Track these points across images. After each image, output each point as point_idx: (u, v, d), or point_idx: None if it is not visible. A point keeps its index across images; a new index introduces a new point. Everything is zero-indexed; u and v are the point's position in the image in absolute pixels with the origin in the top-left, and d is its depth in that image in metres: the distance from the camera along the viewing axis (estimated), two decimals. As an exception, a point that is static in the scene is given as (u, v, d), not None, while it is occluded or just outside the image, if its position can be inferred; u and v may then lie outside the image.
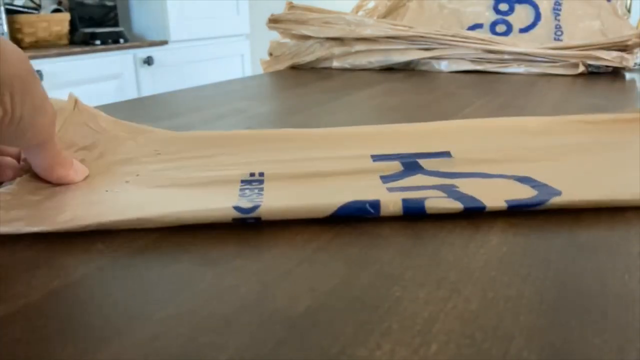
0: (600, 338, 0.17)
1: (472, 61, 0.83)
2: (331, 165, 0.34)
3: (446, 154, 0.36)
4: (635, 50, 0.79)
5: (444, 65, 0.83)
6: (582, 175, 0.32)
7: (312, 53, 0.88)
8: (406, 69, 0.85)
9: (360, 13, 1.00)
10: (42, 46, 1.93)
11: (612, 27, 0.89)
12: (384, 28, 0.84)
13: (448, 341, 0.17)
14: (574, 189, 0.29)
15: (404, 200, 0.27)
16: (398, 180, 0.31)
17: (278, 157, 0.36)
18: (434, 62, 0.84)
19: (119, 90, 2.03)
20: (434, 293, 0.20)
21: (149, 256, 0.24)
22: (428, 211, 0.27)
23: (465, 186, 0.30)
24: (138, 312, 0.19)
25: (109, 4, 2.20)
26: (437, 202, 0.28)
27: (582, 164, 0.34)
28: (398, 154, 0.36)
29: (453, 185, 0.30)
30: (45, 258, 0.23)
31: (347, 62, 0.86)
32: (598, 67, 0.78)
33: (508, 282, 0.21)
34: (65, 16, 2.03)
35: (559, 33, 0.90)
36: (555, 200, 0.28)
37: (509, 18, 0.92)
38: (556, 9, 0.92)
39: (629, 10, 1.75)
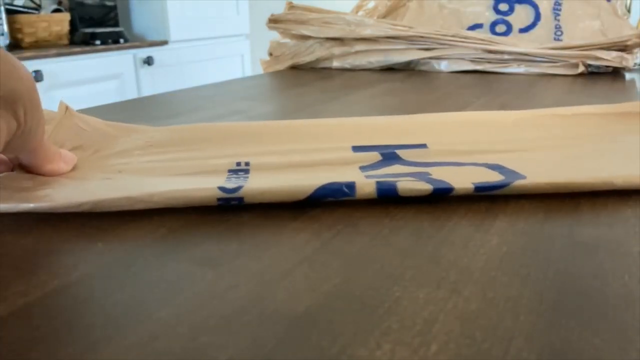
0: (600, 338, 0.17)
1: (472, 61, 0.83)
2: (314, 156, 0.35)
3: (423, 146, 0.37)
4: (635, 50, 0.79)
5: (444, 65, 0.83)
6: (551, 163, 0.34)
7: (312, 53, 0.88)
8: (406, 69, 0.86)
9: (360, 13, 1.00)
10: (42, 46, 1.93)
11: (612, 27, 0.89)
12: (384, 28, 0.84)
13: (448, 341, 0.17)
14: (539, 174, 0.30)
15: (378, 183, 0.29)
16: (376, 169, 0.33)
17: (264, 149, 0.37)
18: (434, 62, 0.84)
19: (119, 90, 2.03)
20: (434, 293, 0.20)
21: (149, 256, 0.24)
22: (400, 193, 0.29)
23: (438, 173, 0.31)
24: (138, 312, 0.19)
25: (109, 4, 2.20)
26: (409, 184, 0.29)
27: (552, 154, 0.35)
28: (377, 146, 0.37)
29: (427, 173, 0.32)
30: (45, 258, 0.23)
31: (347, 62, 0.86)
32: (598, 67, 0.78)
33: (508, 282, 0.21)
34: (65, 16, 2.03)
35: (559, 33, 0.90)
36: (519, 183, 0.29)
37: (509, 18, 0.92)
38: (556, 9, 0.92)
39: (629, 10, 1.75)
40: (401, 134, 0.40)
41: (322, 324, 0.18)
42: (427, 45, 0.84)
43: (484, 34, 0.88)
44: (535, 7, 0.92)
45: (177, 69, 2.28)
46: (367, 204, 0.29)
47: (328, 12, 0.88)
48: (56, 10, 2.05)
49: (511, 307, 0.19)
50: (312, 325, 0.18)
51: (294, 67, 0.90)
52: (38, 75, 1.71)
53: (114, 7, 2.21)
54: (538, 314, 0.19)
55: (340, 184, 0.29)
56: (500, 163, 0.33)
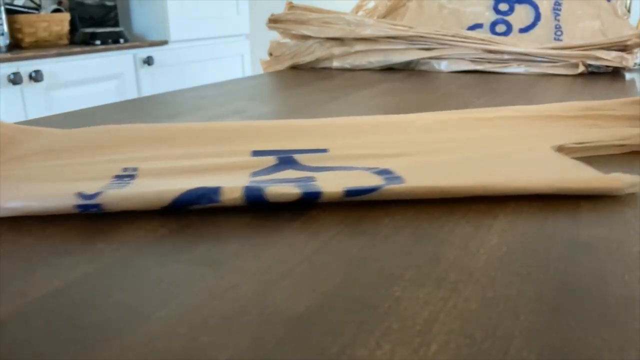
0: (600, 338, 0.17)
1: (472, 61, 0.83)
2: (207, 161, 0.34)
3: (323, 150, 0.37)
4: (635, 50, 0.79)
5: (444, 65, 0.83)
6: (439, 167, 0.33)
7: (312, 53, 0.88)
8: (406, 69, 0.85)
9: (360, 13, 1.00)
10: (42, 46, 1.93)
11: (612, 27, 0.89)
12: (384, 28, 0.84)
13: (448, 341, 0.17)
14: (419, 179, 0.30)
15: (246, 188, 0.28)
16: (266, 175, 0.32)
17: (159, 153, 0.36)
18: (434, 62, 0.84)
19: (119, 90, 2.03)
20: (434, 293, 0.20)
21: (149, 256, 0.24)
22: (268, 198, 0.28)
23: (324, 178, 0.31)
24: (138, 312, 0.19)
25: (109, 4, 2.20)
26: (276, 189, 0.28)
27: (447, 157, 0.35)
28: (276, 150, 0.37)
29: (312, 178, 0.31)
30: (45, 258, 0.23)
31: (347, 62, 0.86)
32: (598, 67, 0.78)
33: (508, 282, 0.21)
34: (65, 16, 2.03)
35: (559, 33, 0.90)
36: (391, 187, 0.28)
37: (509, 18, 0.92)
38: (556, 9, 0.92)
39: (629, 10, 1.75)
40: (305, 137, 0.40)
41: (322, 324, 0.18)
42: (427, 45, 0.84)
43: (484, 34, 0.88)
44: (535, 7, 0.92)
45: (177, 69, 2.28)
46: (368, 203, 0.29)
47: (328, 12, 0.88)
48: (56, 10, 2.05)
49: (511, 307, 0.19)
50: (312, 325, 0.18)
51: (294, 67, 0.90)
52: (38, 75, 1.71)
53: (114, 7, 2.21)
54: (538, 314, 0.19)
55: (206, 189, 0.27)
56: (391, 168, 0.32)
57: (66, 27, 2.03)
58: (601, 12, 0.91)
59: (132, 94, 2.08)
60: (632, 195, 0.30)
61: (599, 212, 0.28)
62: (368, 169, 0.32)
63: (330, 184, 0.29)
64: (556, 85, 0.69)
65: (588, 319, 0.18)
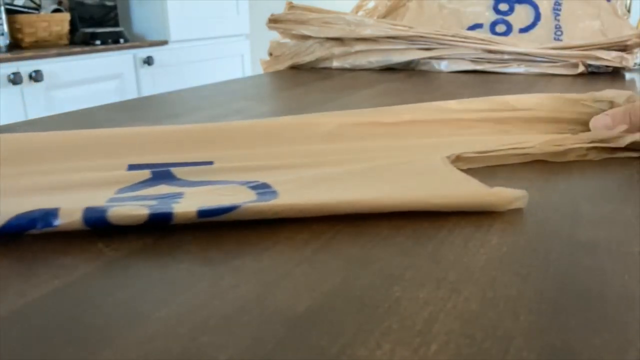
0: (600, 338, 0.17)
1: (472, 61, 0.83)
2: (80, 176, 0.32)
3: (208, 163, 0.34)
4: (635, 50, 0.79)
5: (444, 65, 0.83)
6: (316, 183, 0.31)
7: (312, 53, 0.88)
8: (406, 69, 0.86)
9: (360, 13, 1.00)
10: (42, 46, 1.93)
11: (612, 27, 0.89)
12: (384, 28, 0.84)
13: (448, 341, 0.17)
14: (291, 195, 0.28)
15: (86, 209, 0.25)
16: (132, 192, 0.30)
17: (29, 167, 0.33)
18: (434, 62, 0.84)
19: (119, 90, 2.03)
20: (434, 293, 0.20)
21: (149, 256, 0.24)
22: (111, 220, 0.25)
23: (192, 194, 0.29)
24: (138, 312, 0.19)
25: (109, 4, 2.20)
26: (121, 210, 0.25)
27: (329, 172, 0.32)
28: (154, 164, 0.34)
29: (179, 194, 0.29)
30: (45, 258, 0.23)
31: (347, 62, 0.86)
32: (598, 67, 0.78)
33: (508, 282, 0.21)
34: (65, 16, 2.03)
35: (558, 33, 0.90)
36: (249, 206, 0.26)
37: (509, 18, 0.92)
38: (556, 9, 0.92)
39: (629, 10, 1.75)
40: (193, 148, 0.37)
41: (322, 324, 0.18)
42: (427, 45, 0.84)
43: (484, 34, 0.88)
44: (535, 7, 0.92)
45: (177, 69, 2.28)
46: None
47: (328, 12, 0.88)
48: (56, 10, 2.05)
49: (511, 307, 0.19)
50: (312, 325, 0.18)
51: (294, 67, 0.90)
52: (38, 75, 1.71)
53: (114, 7, 2.21)
54: (538, 314, 0.19)
55: (41, 212, 0.24)
56: (270, 182, 0.30)
57: (66, 27, 2.03)
58: (601, 12, 0.91)
59: (132, 94, 2.08)
60: (632, 195, 0.30)
61: (599, 212, 0.28)
62: (245, 182, 0.30)
63: (189, 203, 0.26)
64: (556, 85, 0.69)
65: (588, 319, 0.18)
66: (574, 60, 0.78)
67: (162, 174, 0.32)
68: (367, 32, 0.84)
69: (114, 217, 0.25)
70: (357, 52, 0.86)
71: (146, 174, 0.32)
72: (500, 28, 0.92)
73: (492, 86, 0.70)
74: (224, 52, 2.54)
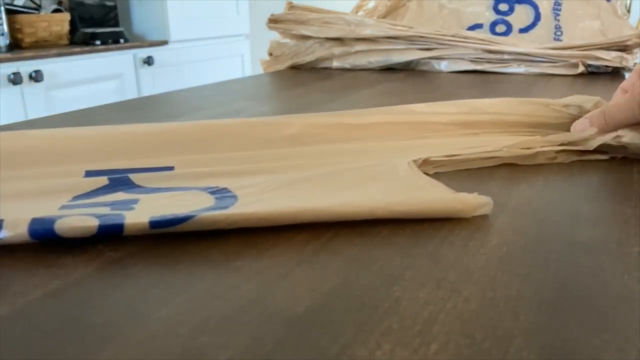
0: (600, 338, 0.17)
1: (472, 61, 0.83)
2: (35, 183, 0.31)
3: (169, 168, 0.34)
4: (635, 50, 0.79)
5: (444, 65, 0.83)
6: (277, 189, 0.30)
7: (312, 53, 0.88)
8: (406, 69, 0.85)
9: (360, 13, 1.00)
10: (42, 46, 1.93)
11: (612, 27, 0.89)
12: (384, 28, 0.84)
13: (448, 341, 0.17)
14: (251, 204, 0.27)
15: (34, 221, 0.24)
16: (86, 199, 0.29)
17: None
18: (434, 62, 0.84)
19: (119, 90, 2.03)
20: (434, 293, 0.20)
21: (149, 256, 0.24)
22: (59, 232, 0.24)
23: (147, 201, 0.28)
24: (138, 312, 0.19)
25: (109, 4, 2.20)
26: (71, 221, 0.24)
27: (291, 177, 0.32)
28: (112, 169, 0.33)
29: (132, 201, 0.28)
30: (45, 258, 0.23)
31: (347, 62, 0.86)
32: (598, 67, 0.78)
33: (508, 282, 0.21)
34: (65, 16, 2.03)
35: (558, 33, 0.90)
36: (203, 216, 0.25)
37: (509, 18, 0.92)
38: (556, 9, 0.92)
39: (628, 10, 1.75)
40: (153, 153, 0.36)
41: (322, 324, 0.18)
42: (427, 45, 0.84)
43: (484, 34, 0.88)
44: (535, 7, 0.92)
45: (177, 69, 2.28)
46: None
47: (328, 12, 0.88)
48: (56, 10, 2.05)
49: (511, 307, 0.19)
50: (312, 325, 0.18)
51: (294, 67, 0.90)
52: (38, 75, 1.71)
53: (114, 7, 2.21)
54: (538, 314, 0.19)
55: None
56: (229, 186, 0.30)
57: (66, 27, 2.03)
58: (601, 12, 0.91)
59: (132, 94, 2.08)
60: (632, 195, 0.30)
61: (599, 212, 0.28)
62: (206, 188, 0.30)
63: (141, 213, 0.25)
64: (556, 86, 0.69)
65: (588, 319, 0.18)
66: (574, 60, 0.78)
67: (119, 180, 0.31)
68: (367, 32, 0.84)
69: (62, 230, 0.24)
70: (357, 52, 0.86)
71: (103, 180, 0.31)
72: (500, 28, 0.92)
73: (492, 86, 0.70)
74: (224, 52, 2.54)
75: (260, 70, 0.93)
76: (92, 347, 0.17)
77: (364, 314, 0.19)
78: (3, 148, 0.35)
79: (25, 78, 1.68)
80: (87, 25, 2.12)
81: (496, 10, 0.93)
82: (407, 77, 0.79)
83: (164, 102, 0.62)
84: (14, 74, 1.65)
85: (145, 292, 0.21)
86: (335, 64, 0.87)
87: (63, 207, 0.27)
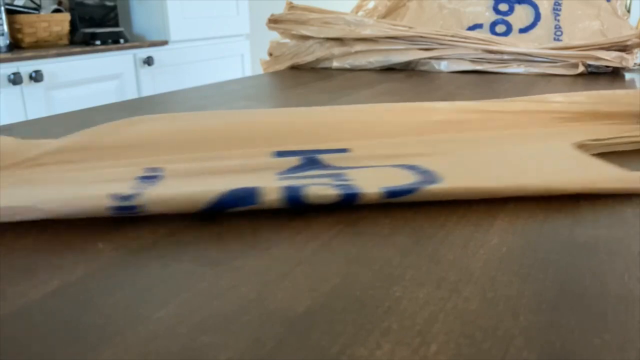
0: (600, 338, 0.17)
1: (472, 61, 0.83)
2: (232, 162, 0.34)
3: (344, 150, 0.36)
4: (635, 50, 0.79)
5: (444, 65, 0.83)
6: (469, 165, 0.33)
7: (312, 53, 0.88)
8: (406, 69, 0.85)
9: (360, 13, 1.00)
10: (42, 46, 1.93)
11: (611, 27, 0.89)
12: (384, 28, 0.84)
13: (448, 341, 0.17)
14: (456, 178, 0.30)
15: (285, 189, 0.27)
16: (292, 174, 0.32)
17: (178, 155, 0.35)
18: (434, 62, 0.84)
19: (119, 90, 2.03)
20: (434, 293, 0.20)
21: (149, 256, 0.24)
22: (306, 200, 0.27)
23: (357, 177, 0.30)
24: (138, 312, 0.19)
25: (109, 4, 2.20)
26: (315, 189, 0.28)
27: (472, 155, 0.35)
28: (299, 151, 0.36)
29: (341, 175, 0.31)
30: (45, 258, 0.23)
31: (347, 62, 0.86)
32: (598, 67, 0.78)
33: (508, 282, 0.21)
34: (66, 16, 2.03)
35: (558, 33, 0.90)
36: (433, 187, 0.28)
37: (509, 18, 0.92)
38: (556, 9, 0.92)
39: (628, 10, 1.75)
40: (324, 137, 0.39)
41: (322, 324, 0.18)
42: (427, 45, 0.84)
43: (484, 34, 0.88)
44: (535, 7, 0.92)
45: (177, 69, 2.28)
46: (366, 204, 0.29)
47: (328, 12, 0.88)
48: (56, 10, 2.05)
49: (511, 307, 0.19)
50: (312, 325, 0.18)
51: (294, 67, 0.90)
52: (38, 75, 1.71)
53: (114, 7, 2.21)
54: (538, 314, 0.19)
55: (244, 190, 0.27)
56: (419, 164, 0.32)
57: (66, 27, 2.03)
58: (601, 12, 0.91)
59: (132, 94, 2.08)
60: (631, 195, 0.30)
61: (599, 212, 0.28)
62: (397, 165, 0.32)
63: (367, 184, 0.29)
64: (556, 86, 0.69)
65: (588, 319, 0.18)
66: (573, 61, 0.78)
67: (310, 160, 0.34)
68: (367, 32, 0.84)
69: (310, 196, 0.27)
70: (357, 52, 0.86)
71: (296, 160, 0.34)
72: (500, 28, 0.92)
73: (492, 86, 0.70)
74: (224, 52, 2.54)
75: (260, 70, 0.93)
76: (92, 347, 0.17)
77: (364, 314, 0.19)
78: (193, 130, 0.39)
79: (25, 78, 1.68)
80: (87, 25, 2.12)
81: (496, 10, 0.93)
82: (407, 77, 0.79)
83: (164, 102, 0.62)
84: (14, 74, 1.65)
85: (145, 292, 0.21)
86: (335, 64, 0.87)
87: (279, 180, 0.30)
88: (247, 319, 0.19)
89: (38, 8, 2.00)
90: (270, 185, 0.28)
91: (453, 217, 0.27)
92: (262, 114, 0.43)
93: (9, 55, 1.68)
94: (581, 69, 0.77)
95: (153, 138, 0.38)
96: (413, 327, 0.18)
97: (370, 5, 1.01)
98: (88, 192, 0.27)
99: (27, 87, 1.69)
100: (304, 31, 0.87)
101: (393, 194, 0.28)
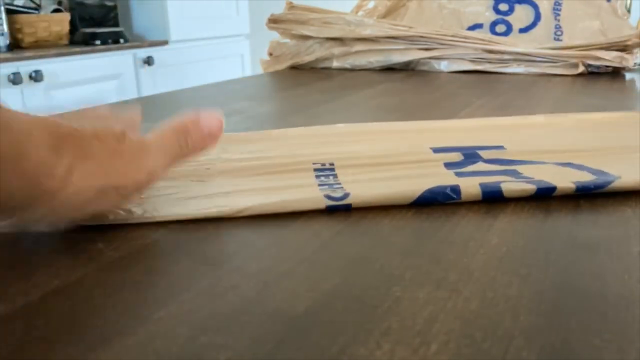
0: (600, 338, 0.17)
1: (472, 61, 0.82)
2: (396, 157, 0.35)
3: (500, 147, 0.37)
4: (635, 50, 0.79)
5: (444, 65, 0.83)
6: (632, 164, 0.34)
7: (312, 53, 0.88)
8: (406, 69, 0.85)
9: (360, 13, 1.00)
10: (42, 46, 1.93)
11: (612, 27, 0.89)
12: (384, 28, 0.84)
13: (448, 341, 0.17)
14: (630, 175, 0.31)
15: (482, 185, 0.29)
16: (461, 167, 0.33)
17: (340, 150, 0.37)
18: (434, 62, 0.84)
19: (119, 90, 2.03)
20: (434, 293, 0.20)
21: (149, 256, 0.24)
22: (505, 194, 0.29)
23: (527, 171, 0.32)
24: (138, 312, 0.19)
25: (109, 4, 2.20)
26: (512, 185, 0.29)
27: (629, 156, 0.35)
28: (455, 147, 0.37)
29: (515, 171, 0.32)
30: (46, 258, 0.23)
31: (347, 62, 0.86)
32: (598, 67, 0.78)
33: (508, 282, 0.21)
34: (65, 16, 2.03)
35: (558, 33, 0.90)
36: (618, 183, 0.29)
37: (509, 18, 0.92)
38: (556, 9, 0.92)
39: (628, 10, 1.75)
40: (477, 136, 0.40)
41: (322, 324, 0.18)
42: (427, 45, 0.84)
43: (484, 34, 0.88)
44: (535, 7, 0.92)
45: (177, 69, 2.28)
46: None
47: (328, 12, 0.88)
48: (56, 10, 2.05)
49: (511, 307, 0.19)
50: (312, 325, 0.18)
51: (294, 67, 0.89)
52: (38, 75, 1.71)
53: (114, 7, 2.21)
54: (538, 314, 0.19)
55: (445, 187, 0.29)
56: (583, 163, 0.33)
57: (66, 27, 2.03)
58: (601, 12, 0.91)
59: (132, 94, 2.08)
60: (631, 195, 0.30)
61: (599, 212, 0.28)
62: (561, 163, 0.33)
63: (555, 179, 0.30)
64: (556, 85, 0.69)
65: (588, 319, 0.18)
66: (573, 60, 0.78)
67: (470, 154, 0.35)
68: (367, 32, 0.84)
69: (508, 191, 0.29)
70: (357, 52, 0.86)
71: (457, 155, 0.35)
72: (500, 28, 0.92)
73: (492, 86, 0.70)
74: (224, 52, 2.54)
75: (260, 70, 0.93)
76: (92, 347, 0.17)
77: (364, 314, 0.19)
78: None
79: (25, 78, 1.68)
80: (87, 25, 2.12)
81: (496, 10, 0.93)
82: (407, 77, 0.79)
83: (164, 102, 0.62)
84: (14, 74, 1.65)
85: (145, 292, 0.21)
86: (335, 64, 0.87)
87: (458, 174, 0.32)
88: (247, 319, 0.19)
89: (38, 8, 2.00)
90: (457, 179, 0.30)
91: (453, 217, 0.27)
92: (402, 124, 0.45)
93: (9, 55, 1.68)
94: (581, 69, 0.77)
95: (311, 135, 0.41)
96: (413, 327, 0.18)
97: (370, 5, 1.01)
98: (302, 194, 0.29)
99: (27, 87, 1.69)
100: (304, 31, 0.87)
101: (584, 189, 0.29)
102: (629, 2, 1.79)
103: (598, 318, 0.19)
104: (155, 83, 2.17)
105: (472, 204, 0.29)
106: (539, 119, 0.46)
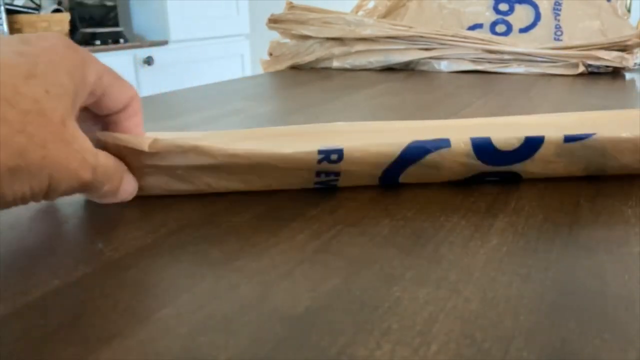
0: (600, 338, 0.17)
1: (472, 61, 0.83)
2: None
3: None
4: (635, 50, 0.79)
5: (444, 65, 0.83)
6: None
7: (312, 53, 0.88)
8: (406, 69, 0.85)
9: (360, 13, 1.00)
10: (42, 46, 1.93)
11: (612, 27, 0.89)
12: (384, 28, 0.84)
13: (448, 341, 0.17)
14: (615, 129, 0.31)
15: (472, 138, 0.30)
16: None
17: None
18: (434, 62, 0.84)
19: (119, 90, 2.03)
20: (434, 293, 0.20)
21: (149, 256, 0.24)
22: (495, 143, 0.29)
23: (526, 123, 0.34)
24: (138, 312, 0.19)
25: (109, 4, 2.20)
26: (501, 135, 0.30)
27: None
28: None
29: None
30: (46, 258, 0.23)
31: (347, 62, 0.86)
32: (598, 67, 0.78)
33: (508, 282, 0.21)
34: (65, 16, 2.03)
35: (559, 33, 0.90)
36: (606, 132, 0.30)
37: (509, 18, 0.92)
38: (556, 9, 0.92)
39: (629, 10, 1.75)
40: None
41: (322, 324, 0.18)
42: (427, 45, 0.84)
43: (484, 34, 0.88)
44: (535, 7, 0.92)
45: (177, 69, 2.29)
46: (367, 204, 0.29)
47: (328, 12, 0.88)
48: (56, 10, 2.05)
49: (511, 307, 0.19)
50: (312, 325, 0.18)
51: (294, 67, 0.89)
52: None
53: (114, 7, 2.21)
54: (538, 314, 0.19)
55: (434, 140, 0.29)
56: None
57: (66, 27, 2.03)
58: (601, 12, 0.91)
59: (132, 94, 2.07)
60: (631, 195, 0.30)
61: (599, 212, 0.28)
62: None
63: (546, 131, 0.30)
64: (556, 85, 0.69)
65: (588, 319, 0.18)
66: (574, 60, 0.78)
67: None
68: (367, 32, 0.84)
69: (497, 141, 0.30)
70: (357, 52, 0.86)
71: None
72: (500, 28, 0.92)
73: (492, 86, 0.70)
74: (224, 52, 2.54)
75: (260, 70, 0.93)
76: (92, 347, 0.17)
77: (364, 314, 0.19)
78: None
79: (25, 78, 1.68)
80: (87, 25, 2.12)
81: (496, 10, 0.93)
82: (407, 77, 0.79)
83: (164, 102, 0.62)
84: (14, 74, 1.65)
85: (145, 292, 0.21)
86: (335, 64, 0.87)
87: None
88: (247, 319, 0.19)
89: (38, 8, 2.00)
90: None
91: (453, 217, 0.27)
92: (402, 123, 0.45)
93: (9, 55, 1.68)
94: (581, 68, 0.77)
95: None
96: (413, 327, 0.18)
97: (370, 5, 1.01)
98: (296, 148, 0.29)
99: (27, 87, 1.69)
100: (304, 31, 0.87)
101: (572, 138, 0.30)
102: (629, 2, 1.79)
103: (598, 318, 0.19)
104: (155, 83, 2.17)
105: (471, 204, 0.29)
106: (539, 118, 0.46)
